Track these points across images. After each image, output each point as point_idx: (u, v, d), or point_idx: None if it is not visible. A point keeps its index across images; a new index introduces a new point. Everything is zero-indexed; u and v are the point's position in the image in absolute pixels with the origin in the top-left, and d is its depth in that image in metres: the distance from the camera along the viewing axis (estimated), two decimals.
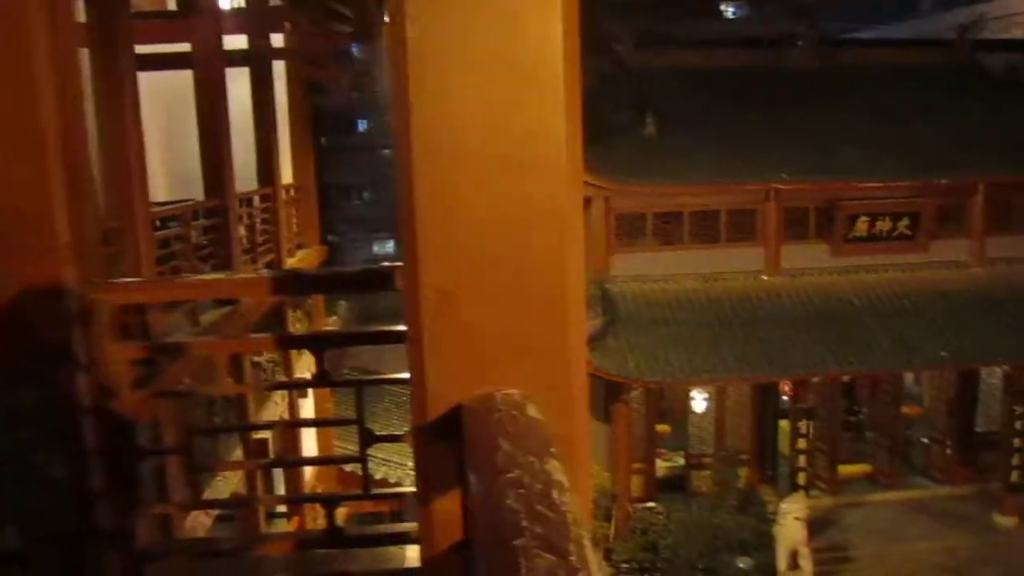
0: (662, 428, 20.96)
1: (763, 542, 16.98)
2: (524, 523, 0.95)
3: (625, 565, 17.45)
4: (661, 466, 20.20)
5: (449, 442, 1.46)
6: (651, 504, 18.83)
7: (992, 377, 20.54)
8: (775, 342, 17.92)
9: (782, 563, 16.94)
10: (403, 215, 1.46)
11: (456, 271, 1.47)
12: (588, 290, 18.77)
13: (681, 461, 20.33)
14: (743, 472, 19.54)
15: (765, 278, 19.55)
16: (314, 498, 5.48)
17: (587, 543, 0.94)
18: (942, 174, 19.60)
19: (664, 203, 19.51)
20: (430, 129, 1.39)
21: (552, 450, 1.23)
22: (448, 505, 1.45)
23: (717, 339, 17.95)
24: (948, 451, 21.07)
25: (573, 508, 1.02)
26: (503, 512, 0.97)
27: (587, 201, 19.18)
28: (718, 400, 19.58)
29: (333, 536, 3.22)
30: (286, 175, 12.97)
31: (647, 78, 21.95)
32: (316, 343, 3.04)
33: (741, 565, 12.57)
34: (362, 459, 3.15)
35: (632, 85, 21.76)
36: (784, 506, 17.06)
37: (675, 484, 19.97)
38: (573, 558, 0.88)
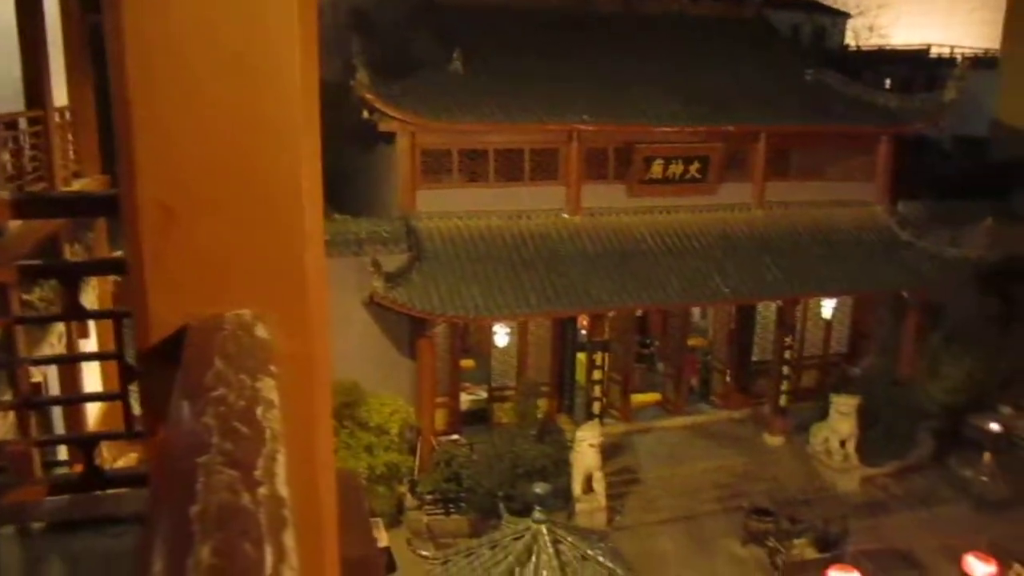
0: (466, 363, 21.36)
1: (560, 468, 17.81)
2: (215, 440, 0.91)
3: (429, 496, 17.81)
4: (465, 399, 20.64)
5: (173, 368, 1.38)
6: (455, 436, 19.25)
7: (767, 311, 22.34)
8: (574, 278, 18.59)
9: (577, 487, 17.87)
10: (117, 123, 1.34)
11: (180, 185, 1.37)
12: (394, 226, 18.64)
13: (484, 394, 20.85)
14: (543, 403, 20.31)
15: (566, 216, 20.15)
16: (69, 439, 5.16)
17: (281, 459, 0.91)
18: (729, 121, 20.79)
19: (469, 140, 19.56)
20: (146, 28, 1.28)
21: (272, 369, 1.18)
22: None
23: (519, 275, 18.38)
24: (728, 379, 22.85)
25: (276, 425, 0.99)
26: (195, 429, 0.93)
27: (392, 136, 18.92)
28: (520, 335, 20.14)
29: (92, 478, 3.04)
30: (60, 98, 11.86)
31: (455, 14, 21.79)
32: (64, 273, 2.82)
33: (538, 491, 13.14)
34: (123, 395, 2.98)
35: (439, 21, 21.52)
36: (580, 434, 17.93)
37: (478, 416, 20.50)
38: (258, 472, 0.85)
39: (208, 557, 0.70)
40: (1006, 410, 23.23)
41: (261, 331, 1.33)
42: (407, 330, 18.74)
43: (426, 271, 18.03)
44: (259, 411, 1.01)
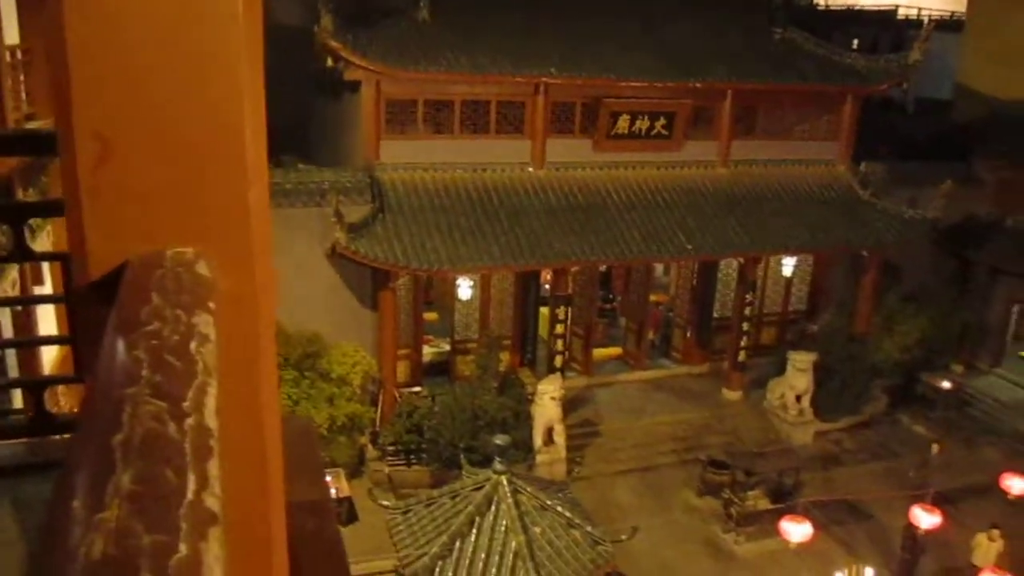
0: (429, 315, 21.37)
1: (521, 421, 17.99)
2: (144, 372, 0.89)
3: (391, 447, 17.90)
4: (427, 352, 20.68)
5: (111, 306, 1.35)
6: (417, 388, 19.33)
7: (729, 268, 22.56)
8: (538, 232, 18.58)
9: (538, 439, 18.07)
10: (51, 50, 1.30)
11: (116, 116, 1.33)
12: (358, 176, 18.44)
13: (447, 347, 20.91)
14: (505, 356, 20.42)
15: (531, 170, 20.07)
16: (15, 383, 5.09)
17: (212, 391, 0.90)
18: (697, 78, 20.74)
19: (435, 91, 19.32)
20: None
21: (210, 305, 1.17)
22: None
23: (483, 228, 18.32)
24: (688, 335, 23.12)
25: (210, 359, 0.98)
26: (125, 362, 0.91)
27: (357, 85, 18.63)
28: (483, 288, 20.15)
29: (42, 423, 3.01)
30: (11, 36, 11.49)
31: None
32: (10, 213, 2.75)
33: (499, 442, 13.22)
34: (72, 339, 2.93)
35: None
36: (541, 387, 18.09)
37: (440, 369, 20.58)
38: (187, 404, 0.85)
39: (128, 483, 0.69)
40: (958, 368, 23.85)
41: (202, 268, 1.32)
42: (370, 282, 18.66)
43: (389, 223, 17.91)
44: (193, 345, 1.00)
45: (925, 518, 14.91)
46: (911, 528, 15.21)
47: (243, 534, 1.35)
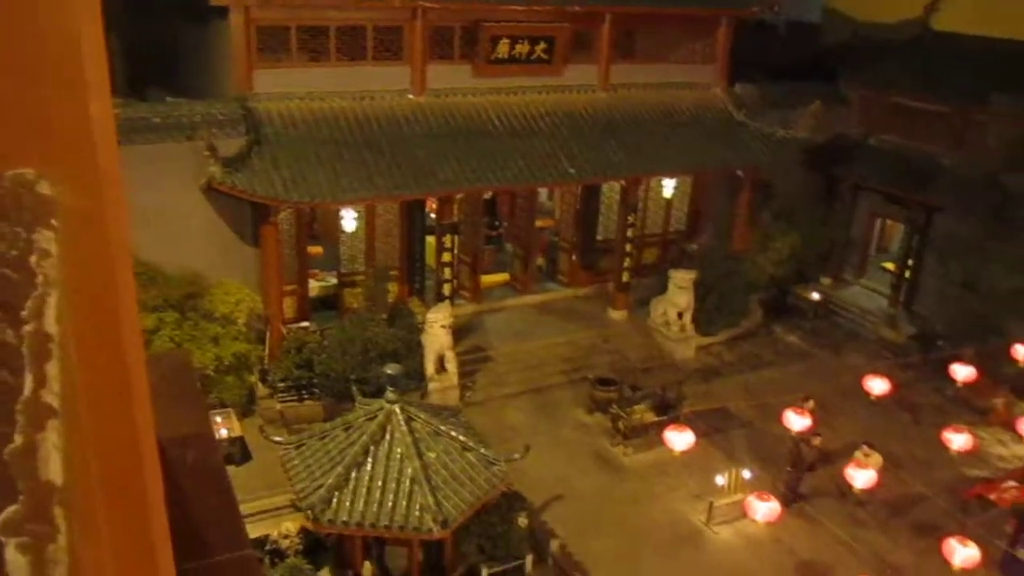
0: (314, 249, 21.01)
1: (412, 350, 18.07)
2: None
3: (281, 384, 17.71)
4: (314, 286, 20.40)
5: None
6: (305, 323, 19.08)
7: (611, 191, 22.96)
8: (421, 160, 18.39)
9: (430, 367, 18.23)
10: None
11: None
12: (230, 108, 17.73)
13: (333, 280, 20.66)
14: (393, 287, 20.35)
15: (411, 97, 19.74)
16: None
17: (53, 301, 0.90)
18: (575, 1, 20.66)
19: (309, 16, 18.63)
20: None
21: (52, 223, 1.15)
22: None
23: (365, 158, 18.01)
24: (574, 258, 23.54)
25: (51, 272, 0.97)
26: None
27: (225, 11, 17.77)
28: (368, 219, 19.90)
29: None
30: None
31: None
32: None
33: (390, 372, 13.32)
34: None
35: None
36: (431, 316, 18.17)
37: (328, 303, 20.37)
38: (25, 312, 0.84)
39: None
40: (826, 281, 25.18)
41: (44, 188, 1.28)
42: (250, 217, 18.15)
43: (267, 155, 17.37)
44: (33, 259, 0.99)
45: (797, 421, 15.87)
46: (797, 443, 16.04)
47: (111, 450, 1.35)
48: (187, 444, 2.97)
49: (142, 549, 1.72)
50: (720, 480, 16.06)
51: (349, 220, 19.19)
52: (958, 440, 15.84)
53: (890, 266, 24.94)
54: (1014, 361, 18.74)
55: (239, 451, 16.20)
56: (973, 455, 17.03)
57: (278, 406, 17.60)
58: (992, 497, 16.23)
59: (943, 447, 16.03)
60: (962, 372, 17.76)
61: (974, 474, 17.32)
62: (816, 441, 15.80)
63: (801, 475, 16.18)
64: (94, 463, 1.38)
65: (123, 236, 1.46)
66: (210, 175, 16.48)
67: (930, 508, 16.07)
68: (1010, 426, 17.73)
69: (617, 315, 22.36)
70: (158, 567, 1.74)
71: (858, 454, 15.60)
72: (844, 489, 15.83)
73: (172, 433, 2.94)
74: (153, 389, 3.21)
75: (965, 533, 13.37)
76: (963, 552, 12.71)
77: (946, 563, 12.92)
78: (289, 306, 19.20)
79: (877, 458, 15.73)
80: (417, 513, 11.70)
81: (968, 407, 19.43)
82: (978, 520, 15.64)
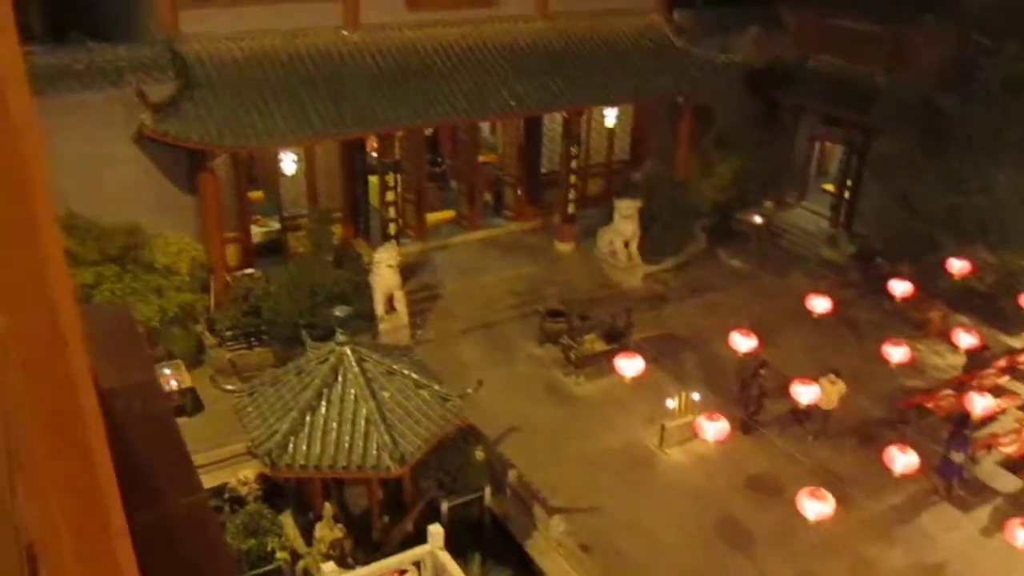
0: (255, 194, 20.61)
1: (360, 291, 17.95)
2: None
3: (229, 332, 17.52)
4: (257, 232, 20.08)
5: None
6: (250, 270, 18.81)
7: (553, 123, 22.82)
8: (359, 99, 18.02)
9: (379, 308, 18.17)
10: None
11: None
12: (157, 51, 17.11)
13: (276, 225, 20.35)
14: (337, 229, 20.12)
15: (345, 34, 19.23)
16: None
17: None
18: None
19: None
20: None
21: None
22: None
23: (301, 98, 17.57)
24: (519, 192, 23.47)
25: None
26: None
27: None
28: (307, 161, 19.54)
29: None
30: None
31: None
32: None
33: (339, 314, 13.19)
34: None
35: None
36: (377, 256, 18.04)
37: (273, 248, 20.09)
38: None
39: None
40: (768, 204, 25.50)
41: None
42: (186, 164, 17.68)
43: (199, 99, 16.85)
44: None
45: (743, 342, 16.22)
46: (755, 373, 16.29)
47: (48, 402, 1.32)
48: (132, 394, 2.92)
49: (89, 499, 1.70)
50: (670, 403, 16.42)
51: (288, 163, 18.82)
52: (897, 353, 16.39)
53: (830, 188, 25.34)
54: (948, 275, 19.36)
55: (191, 402, 16.06)
56: (911, 367, 17.66)
57: (228, 355, 17.43)
58: (930, 406, 16.88)
59: (883, 360, 16.59)
60: (900, 288, 18.30)
61: (913, 385, 17.97)
62: (764, 372, 16.09)
63: (761, 404, 16.46)
64: (31, 417, 1.35)
65: (37, 160, 1.39)
66: (141, 123, 15.97)
67: (872, 419, 16.66)
68: (945, 337, 18.38)
69: (564, 247, 22.44)
70: (108, 516, 1.72)
71: (824, 381, 15.99)
72: (802, 417, 16.33)
73: (115, 383, 2.89)
74: (93, 341, 3.16)
75: (905, 441, 13.93)
76: (903, 459, 13.26)
77: (888, 470, 13.48)
78: (232, 253, 18.90)
79: (841, 386, 16.13)
80: (374, 452, 11.77)
81: (906, 321, 20.04)
82: (917, 428, 16.29)
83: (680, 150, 23.35)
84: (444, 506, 13.71)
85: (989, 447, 15.87)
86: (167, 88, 16.78)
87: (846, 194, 24.31)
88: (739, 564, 13.68)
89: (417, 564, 11.89)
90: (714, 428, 14.20)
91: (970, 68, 19.48)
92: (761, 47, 22.89)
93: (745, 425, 16.28)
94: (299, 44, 18.62)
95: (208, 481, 13.91)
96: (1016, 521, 12.37)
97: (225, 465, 14.59)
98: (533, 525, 13.98)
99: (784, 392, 15.69)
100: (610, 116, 23.07)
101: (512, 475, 14.76)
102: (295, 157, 18.80)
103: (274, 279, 17.79)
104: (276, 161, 18.98)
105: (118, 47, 17.15)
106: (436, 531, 11.97)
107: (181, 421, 15.31)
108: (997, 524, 13.97)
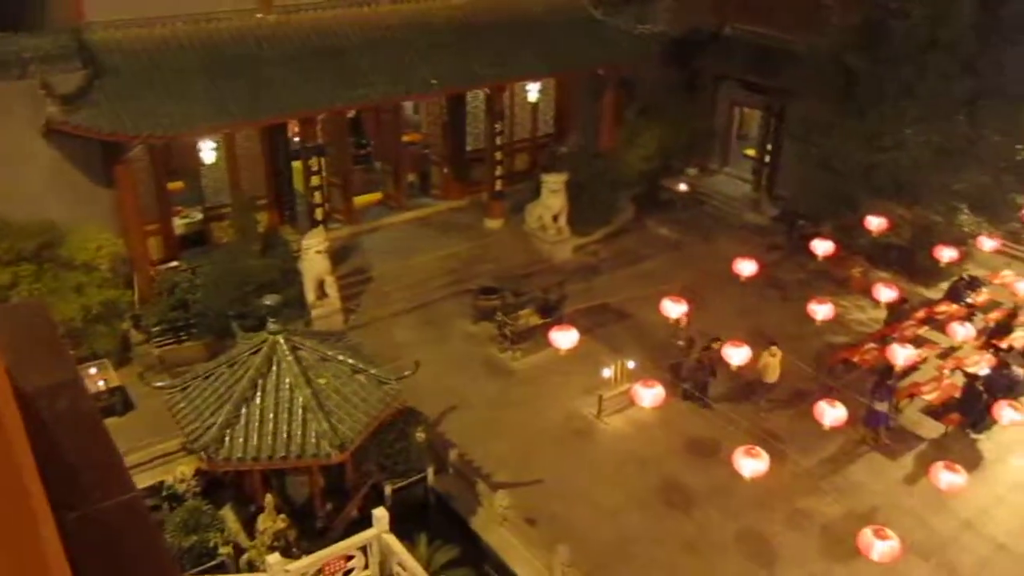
0: (175, 185, 20.07)
1: (290, 279, 17.71)
2: None
3: (156, 328, 17.11)
4: (179, 223, 19.59)
5: None
6: (174, 263, 18.38)
7: (476, 100, 22.72)
8: (276, 83, 17.63)
9: (311, 295, 17.95)
10: None
11: None
12: (62, 40, 16.46)
13: (199, 215, 19.87)
14: (262, 216, 19.75)
15: (260, 16, 18.75)
16: None
17: None
18: None
19: None
20: None
21: None
22: None
23: (216, 84, 17.11)
24: (445, 171, 23.35)
25: None
26: None
27: None
28: (228, 148, 19.09)
29: None
30: None
31: None
32: None
33: (269, 303, 12.97)
34: None
35: None
36: (305, 242, 17.80)
37: (196, 239, 19.63)
38: None
39: None
40: (692, 171, 25.90)
41: None
42: (100, 157, 17.10)
43: (109, 89, 16.28)
44: None
45: (674, 308, 16.49)
46: (707, 347, 16.47)
47: None
48: (54, 394, 2.84)
49: (13, 503, 1.66)
50: (607, 372, 16.63)
51: (208, 151, 18.38)
52: (822, 311, 16.86)
53: (751, 152, 25.82)
54: (867, 232, 19.95)
55: (120, 401, 15.67)
56: (836, 323, 18.19)
57: (156, 351, 17.02)
58: (855, 359, 17.44)
59: (810, 319, 17.04)
60: (822, 247, 18.80)
61: (838, 340, 18.53)
62: (716, 345, 16.26)
63: (708, 378, 16.64)
64: None
65: None
66: (49, 115, 15.39)
67: (802, 376, 17.14)
68: (867, 293, 18.97)
69: (494, 224, 22.43)
70: (34, 518, 1.68)
71: (765, 355, 16.29)
72: (748, 393, 16.67)
73: (36, 384, 2.81)
74: (8, 341, 3.05)
75: (833, 396, 14.38)
76: (832, 413, 13.69)
77: (818, 424, 13.91)
78: (155, 246, 18.42)
79: (780, 355, 16.45)
80: (313, 440, 11.67)
81: (829, 279, 20.64)
82: (844, 382, 16.82)
83: (604, 122, 23.49)
84: (388, 489, 13.69)
85: (912, 396, 16.50)
86: (75, 78, 16.16)
87: (767, 158, 24.82)
88: (680, 523, 14.00)
89: (364, 549, 11.85)
90: (650, 394, 14.43)
91: (880, 31, 19.98)
92: (678, 16, 23.11)
93: (687, 394, 16.53)
94: (213, 28, 18.11)
95: (145, 480, 13.63)
96: (939, 465, 12.90)
97: (161, 463, 14.31)
98: (477, 502, 14.05)
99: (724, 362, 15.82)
100: (533, 91, 23.07)
101: (453, 454, 14.80)
102: (214, 145, 18.35)
103: (200, 271, 17.40)
104: (195, 150, 18.49)
105: (19, 37, 16.41)
106: (381, 515, 11.94)
107: (112, 421, 14.95)
108: (922, 469, 14.55)
